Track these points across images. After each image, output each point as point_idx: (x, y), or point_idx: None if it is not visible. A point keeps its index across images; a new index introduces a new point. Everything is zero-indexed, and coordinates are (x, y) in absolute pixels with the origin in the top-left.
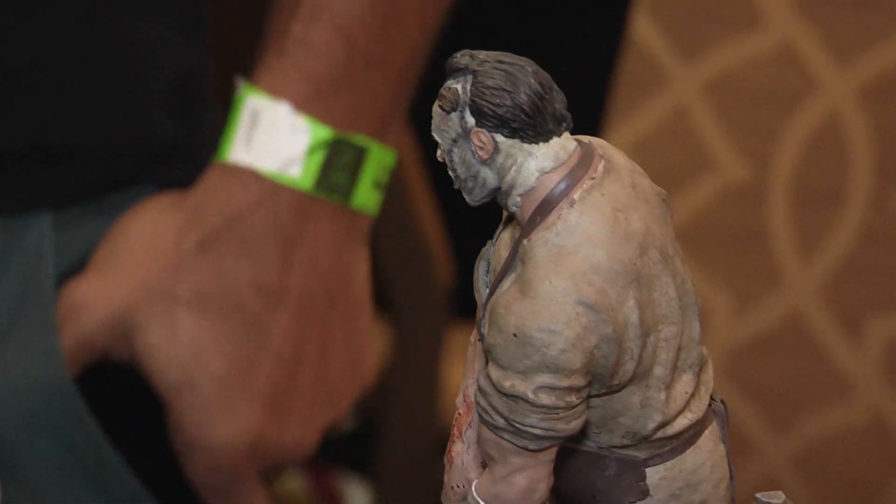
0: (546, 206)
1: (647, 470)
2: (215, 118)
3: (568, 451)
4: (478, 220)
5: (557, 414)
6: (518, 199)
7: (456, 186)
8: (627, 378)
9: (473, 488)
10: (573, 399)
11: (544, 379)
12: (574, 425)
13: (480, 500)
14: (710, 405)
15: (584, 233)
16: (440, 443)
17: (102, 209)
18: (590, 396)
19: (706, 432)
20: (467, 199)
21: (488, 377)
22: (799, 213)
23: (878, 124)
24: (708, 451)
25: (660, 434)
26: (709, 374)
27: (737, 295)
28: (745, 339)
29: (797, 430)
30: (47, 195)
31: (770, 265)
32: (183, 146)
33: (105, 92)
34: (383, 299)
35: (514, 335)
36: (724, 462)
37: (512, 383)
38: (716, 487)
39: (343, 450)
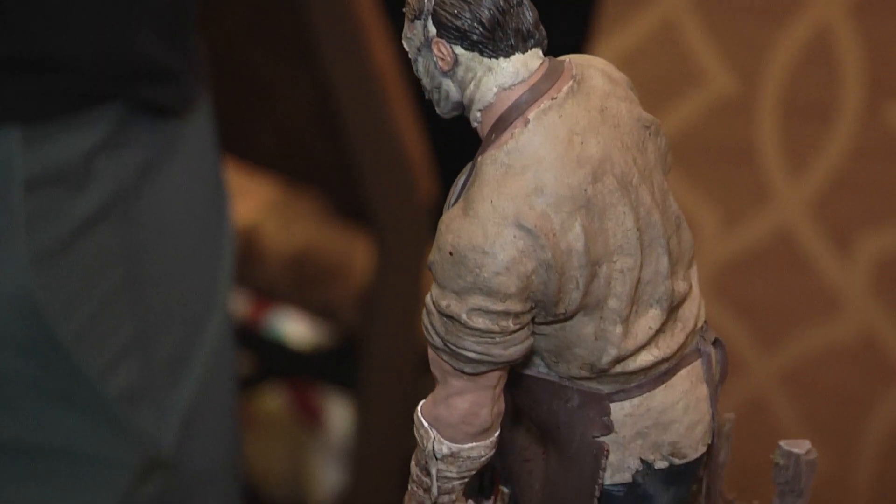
0: (501, 124)
1: (612, 405)
2: (197, 45)
3: (531, 380)
4: (463, 136)
5: (493, 338)
6: (478, 114)
7: (427, 98)
8: (574, 307)
9: (419, 408)
10: (509, 324)
11: (477, 301)
12: (512, 352)
13: (424, 421)
14: (695, 344)
15: (534, 154)
16: (421, 358)
17: (73, 125)
18: (539, 324)
19: (683, 371)
20: (437, 110)
21: (430, 295)
22: (788, 127)
23: (869, 38)
24: (682, 392)
25: (619, 368)
26: (689, 311)
27: (725, 210)
28: (733, 255)
29: (785, 346)
30: (19, 108)
31: (759, 180)
32: (168, 67)
33: (95, 5)
34: (365, 215)
35: (450, 253)
36: (703, 404)
37: (447, 303)
38: (690, 430)
39: (324, 366)
